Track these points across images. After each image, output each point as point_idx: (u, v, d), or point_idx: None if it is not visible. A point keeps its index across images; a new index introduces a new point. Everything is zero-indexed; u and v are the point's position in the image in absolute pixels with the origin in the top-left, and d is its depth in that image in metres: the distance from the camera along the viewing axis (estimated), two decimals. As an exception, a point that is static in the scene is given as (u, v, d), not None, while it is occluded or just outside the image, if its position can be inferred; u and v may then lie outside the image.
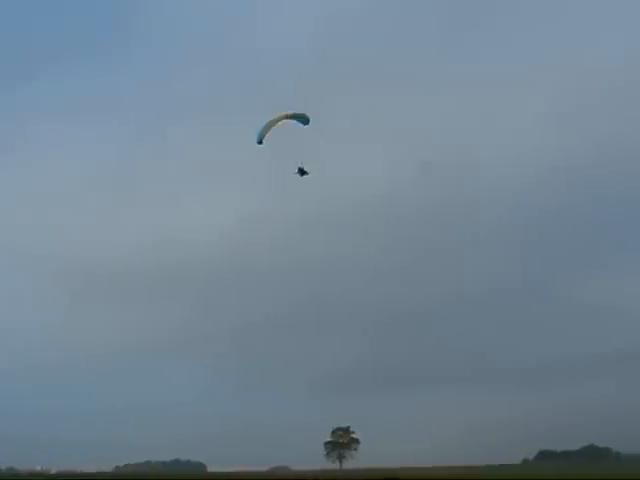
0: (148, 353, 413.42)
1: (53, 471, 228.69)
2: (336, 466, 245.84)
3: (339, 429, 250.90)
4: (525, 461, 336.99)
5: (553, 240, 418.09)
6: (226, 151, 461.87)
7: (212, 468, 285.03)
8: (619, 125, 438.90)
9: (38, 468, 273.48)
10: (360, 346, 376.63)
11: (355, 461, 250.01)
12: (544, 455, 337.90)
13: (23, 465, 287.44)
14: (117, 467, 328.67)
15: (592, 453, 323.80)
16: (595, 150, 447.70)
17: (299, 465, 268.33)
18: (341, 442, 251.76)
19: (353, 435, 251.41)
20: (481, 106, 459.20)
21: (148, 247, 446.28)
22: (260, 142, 55.11)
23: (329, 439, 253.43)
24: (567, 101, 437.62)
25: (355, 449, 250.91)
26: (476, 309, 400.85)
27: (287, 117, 55.66)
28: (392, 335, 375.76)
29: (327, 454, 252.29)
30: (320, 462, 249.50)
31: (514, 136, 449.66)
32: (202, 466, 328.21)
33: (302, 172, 62.67)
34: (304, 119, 61.03)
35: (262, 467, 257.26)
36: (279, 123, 55.23)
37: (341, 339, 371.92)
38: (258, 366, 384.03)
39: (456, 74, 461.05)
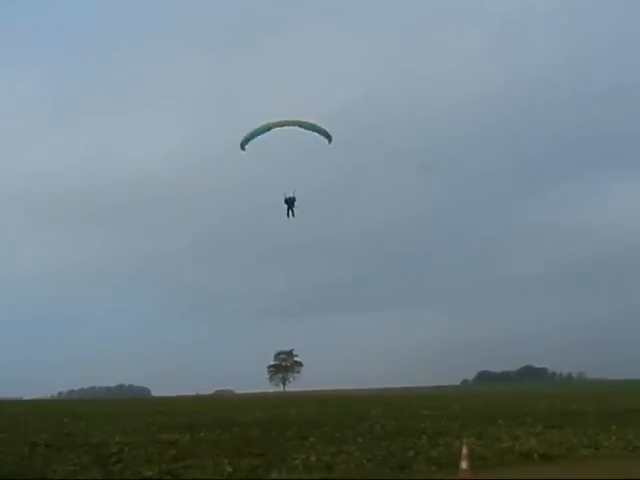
0: (91, 277, 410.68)
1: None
2: (279, 389, 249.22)
3: (282, 352, 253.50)
4: (464, 382, 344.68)
5: (494, 160, 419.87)
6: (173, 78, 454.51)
7: (156, 393, 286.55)
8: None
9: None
10: (304, 269, 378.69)
11: (298, 384, 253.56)
12: (483, 376, 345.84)
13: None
14: (61, 393, 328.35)
15: (530, 373, 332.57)
16: (535, 68, 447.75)
17: (243, 389, 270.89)
18: (284, 365, 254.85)
19: (296, 358, 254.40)
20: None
21: (85, 168, 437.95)
22: (243, 148, 40.63)
23: (272, 362, 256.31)
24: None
25: (298, 372, 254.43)
26: (419, 232, 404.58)
27: (301, 126, 40.04)
28: (336, 258, 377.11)
29: (270, 377, 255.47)
30: (264, 386, 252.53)
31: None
32: (146, 391, 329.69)
33: (290, 202, 42.79)
34: (328, 135, 41.54)
35: (206, 391, 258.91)
36: (281, 128, 39.94)
37: (285, 262, 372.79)
38: (204, 291, 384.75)
39: None
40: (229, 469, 22.02)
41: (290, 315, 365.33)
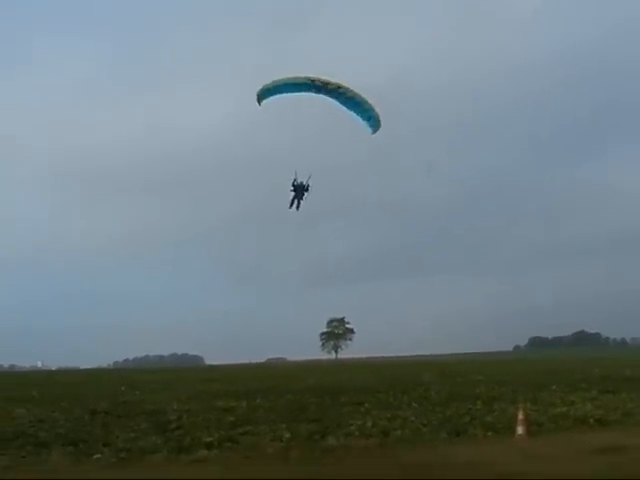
0: (144, 247, 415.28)
1: (54, 368, 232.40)
2: (332, 356, 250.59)
3: (334, 320, 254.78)
4: (516, 348, 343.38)
5: (545, 126, 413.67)
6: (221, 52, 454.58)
7: (210, 361, 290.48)
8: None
9: (39, 364, 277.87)
10: (354, 237, 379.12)
11: (350, 351, 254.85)
12: (535, 342, 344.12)
13: (24, 362, 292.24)
14: (116, 362, 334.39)
15: (582, 338, 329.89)
16: (586, 35, 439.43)
17: (295, 356, 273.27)
18: (336, 333, 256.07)
19: (348, 325, 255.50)
20: None
21: (139, 140, 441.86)
22: (259, 101, 30.65)
23: (325, 330, 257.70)
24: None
25: (350, 339, 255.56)
26: (468, 198, 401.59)
27: (346, 99, 30.53)
28: (386, 226, 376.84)
29: (323, 345, 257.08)
30: (316, 353, 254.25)
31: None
32: (199, 359, 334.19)
33: (301, 190, 33.88)
34: (375, 123, 32.18)
35: (259, 359, 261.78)
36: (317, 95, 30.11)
37: (335, 231, 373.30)
38: (254, 259, 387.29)
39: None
40: (287, 435, 22.32)
41: (342, 282, 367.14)
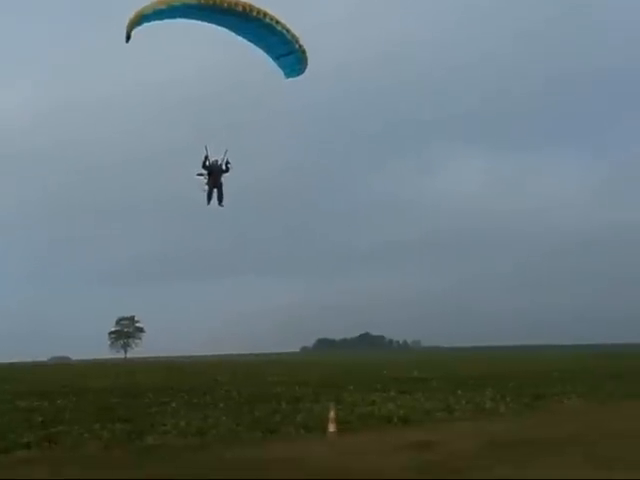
0: None
1: None
2: (120, 355, 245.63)
3: (124, 319, 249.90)
4: (304, 349, 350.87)
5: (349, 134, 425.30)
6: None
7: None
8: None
9: None
10: (146, 238, 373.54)
11: (140, 350, 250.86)
12: (322, 343, 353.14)
13: None
14: None
15: (367, 340, 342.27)
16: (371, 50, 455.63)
17: (81, 355, 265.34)
18: (126, 331, 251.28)
19: (138, 324, 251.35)
20: None
21: None
22: (128, 38, 19.67)
23: (114, 329, 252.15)
24: None
25: (140, 338, 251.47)
26: (261, 204, 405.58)
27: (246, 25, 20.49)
28: (182, 225, 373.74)
29: (111, 344, 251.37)
30: (104, 352, 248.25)
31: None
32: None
33: (218, 172, 22.75)
34: (298, 61, 21.58)
35: (41, 358, 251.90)
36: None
37: (127, 229, 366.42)
38: (43, 254, 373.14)
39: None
40: (106, 434, 22.10)
41: (133, 281, 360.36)
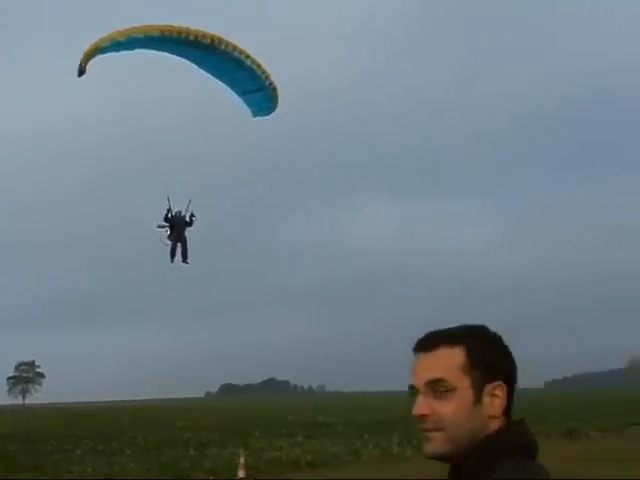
0: None
1: None
2: (19, 401, 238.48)
3: (23, 363, 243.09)
4: (208, 394, 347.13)
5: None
6: None
7: None
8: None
9: None
10: (49, 281, 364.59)
11: (40, 396, 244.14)
12: (226, 388, 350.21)
13: None
14: None
15: (272, 385, 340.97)
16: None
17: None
18: (25, 376, 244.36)
19: (38, 369, 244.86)
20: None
21: None
22: (81, 72, 16.59)
23: (12, 374, 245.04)
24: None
25: (40, 384, 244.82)
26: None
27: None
28: (84, 269, 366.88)
29: (9, 389, 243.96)
30: (2, 398, 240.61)
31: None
32: None
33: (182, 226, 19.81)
34: (267, 99, 18.26)
35: None
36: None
37: (28, 272, 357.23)
38: None
39: None
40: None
41: (33, 325, 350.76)
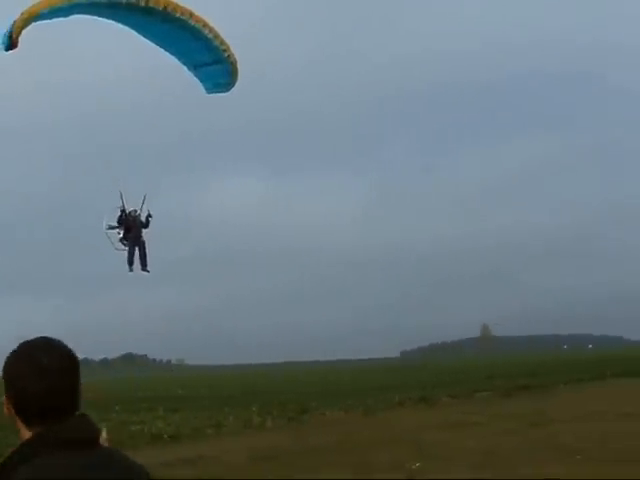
0: None
1: None
2: None
3: None
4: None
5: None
6: None
7: None
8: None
9: None
10: None
11: None
12: (82, 363, 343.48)
13: None
14: None
15: (130, 360, 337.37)
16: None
17: None
18: None
19: None
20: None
21: None
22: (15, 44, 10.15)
23: None
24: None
25: None
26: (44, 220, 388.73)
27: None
28: None
29: None
30: None
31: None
32: None
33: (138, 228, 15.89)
34: (225, 73, 13.99)
35: None
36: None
37: None
38: None
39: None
40: None
41: None
